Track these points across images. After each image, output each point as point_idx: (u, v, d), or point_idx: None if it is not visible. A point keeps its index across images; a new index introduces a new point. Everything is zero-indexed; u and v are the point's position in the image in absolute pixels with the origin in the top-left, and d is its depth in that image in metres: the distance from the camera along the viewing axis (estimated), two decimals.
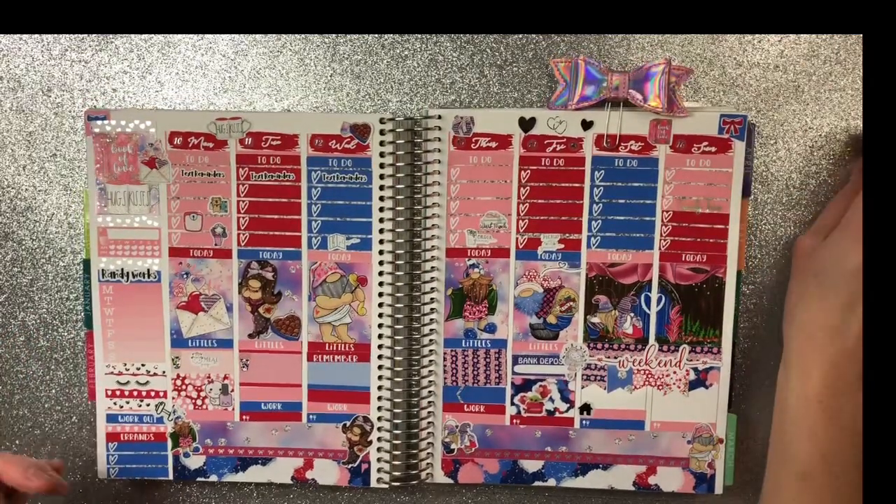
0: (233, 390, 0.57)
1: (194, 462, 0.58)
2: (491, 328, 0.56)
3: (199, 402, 0.58)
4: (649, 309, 0.56)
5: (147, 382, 0.57)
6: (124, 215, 0.56)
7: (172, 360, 0.57)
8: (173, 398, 0.58)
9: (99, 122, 0.54)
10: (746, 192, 0.55)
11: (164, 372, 0.57)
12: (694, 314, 0.56)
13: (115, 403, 0.58)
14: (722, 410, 0.56)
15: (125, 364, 0.57)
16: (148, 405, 0.58)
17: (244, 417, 0.58)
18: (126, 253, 0.56)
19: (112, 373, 0.57)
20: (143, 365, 0.57)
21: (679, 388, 0.56)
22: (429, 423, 0.57)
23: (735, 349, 0.56)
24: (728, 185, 0.54)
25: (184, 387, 0.58)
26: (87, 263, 0.56)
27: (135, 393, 0.57)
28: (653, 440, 0.57)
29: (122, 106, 0.57)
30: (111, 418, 0.58)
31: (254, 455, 0.58)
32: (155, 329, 0.57)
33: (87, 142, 0.55)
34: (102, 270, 0.56)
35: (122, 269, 0.56)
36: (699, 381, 0.56)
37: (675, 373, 0.56)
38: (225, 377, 0.57)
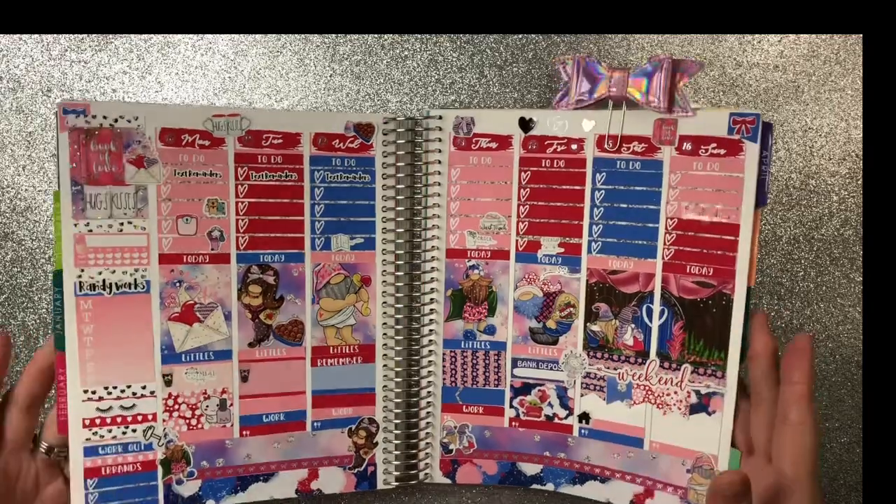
0: (231, 405, 0.54)
1: (188, 488, 0.53)
2: (490, 330, 0.56)
3: (193, 421, 0.53)
4: (651, 322, 0.53)
5: (133, 406, 0.51)
6: (105, 219, 0.50)
7: (163, 377, 0.52)
8: (164, 420, 0.52)
9: (76, 117, 0.49)
10: (762, 200, 0.49)
11: (153, 392, 0.52)
12: (698, 332, 0.51)
13: (94, 434, 0.51)
14: (725, 443, 0.51)
15: (107, 387, 0.51)
16: (134, 431, 0.51)
17: (244, 433, 0.54)
18: (108, 262, 0.50)
19: (91, 399, 0.50)
20: (128, 387, 0.51)
21: (679, 409, 0.52)
22: (427, 423, 0.57)
23: (741, 376, 0.51)
24: (739, 192, 0.49)
25: (176, 406, 0.52)
26: (58, 275, 0.50)
27: (118, 419, 0.51)
28: (651, 461, 0.53)
29: (105, 101, 0.55)
30: (90, 451, 0.51)
31: (255, 472, 0.54)
32: (143, 345, 0.51)
33: (61, 139, 0.49)
34: (80, 283, 0.50)
35: (104, 281, 0.50)
36: (701, 405, 0.52)
37: (675, 393, 0.52)
38: (223, 391, 0.53)
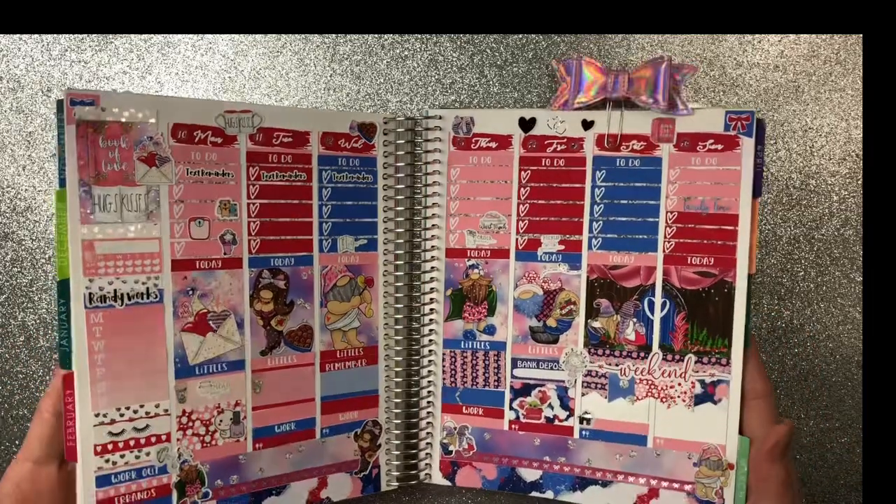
0: (245, 418, 0.51)
1: None
2: (490, 330, 0.56)
3: (207, 438, 0.50)
4: (653, 314, 0.53)
5: (146, 427, 0.48)
6: (116, 224, 0.46)
7: (177, 393, 0.49)
8: (178, 439, 0.49)
9: (85, 109, 0.45)
10: (757, 191, 0.51)
11: (166, 410, 0.49)
12: (701, 321, 0.52)
13: (106, 461, 0.47)
14: (732, 431, 0.51)
15: (119, 409, 0.47)
16: (148, 454, 0.48)
17: (257, 446, 0.52)
18: (119, 271, 0.46)
19: (103, 423, 0.47)
20: (141, 406, 0.48)
21: (684, 401, 0.53)
22: (427, 423, 0.57)
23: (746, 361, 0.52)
24: (737, 184, 0.51)
25: (190, 424, 0.50)
26: (63, 285, 0.45)
27: (131, 443, 0.48)
28: (656, 458, 0.53)
29: (114, 91, 0.53)
30: (102, 481, 0.47)
31: (267, 486, 0.53)
32: (156, 359, 0.48)
33: (68, 132, 0.44)
34: (90, 294, 0.45)
35: (116, 291, 0.46)
36: (706, 395, 0.52)
37: (679, 384, 0.53)
38: (236, 404, 0.51)
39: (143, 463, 0.48)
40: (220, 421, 0.51)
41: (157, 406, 0.48)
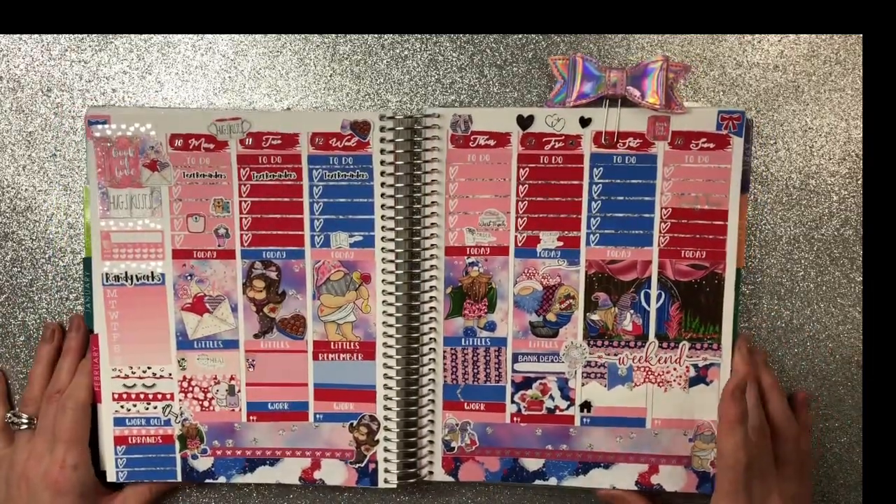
0: (239, 391, 0.57)
1: (202, 464, 0.58)
2: (491, 326, 0.56)
3: (205, 403, 0.57)
4: (649, 306, 0.56)
5: (153, 385, 0.57)
6: (127, 219, 0.55)
7: (178, 361, 0.57)
8: (180, 400, 0.57)
9: (100, 127, 0.54)
10: (745, 187, 0.55)
11: (170, 374, 0.57)
12: (694, 311, 0.56)
13: (122, 407, 0.57)
14: None
15: (131, 367, 0.56)
16: (155, 408, 0.57)
17: (251, 418, 0.57)
18: (129, 256, 0.56)
19: (118, 376, 0.56)
20: (149, 368, 0.57)
21: (679, 384, 0.56)
22: (429, 421, 0.57)
23: (735, 345, 0.56)
24: (727, 181, 0.54)
25: (190, 388, 0.57)
26: (87, 262, 0.56)
27: (141, 396, 0.57)
28: (654, 438, 0.56)
29: (122, 106, 0.57)
30: (118, 422, 0.57)
31: (262, 456, 0.58)
32: (160, 331, 0.56)
33: (89, 146, 0.54)
34: (106, 274, 0.55)
35: (126, 273, 0.56)
36: (699, 377, 0.56)
37: (675, 369, 0.56)
38: (231, 378, 0.57)
39: (151, 414, 0.57)
40: (217, 390, 0.57)
41: (161, 370, 0.57)
